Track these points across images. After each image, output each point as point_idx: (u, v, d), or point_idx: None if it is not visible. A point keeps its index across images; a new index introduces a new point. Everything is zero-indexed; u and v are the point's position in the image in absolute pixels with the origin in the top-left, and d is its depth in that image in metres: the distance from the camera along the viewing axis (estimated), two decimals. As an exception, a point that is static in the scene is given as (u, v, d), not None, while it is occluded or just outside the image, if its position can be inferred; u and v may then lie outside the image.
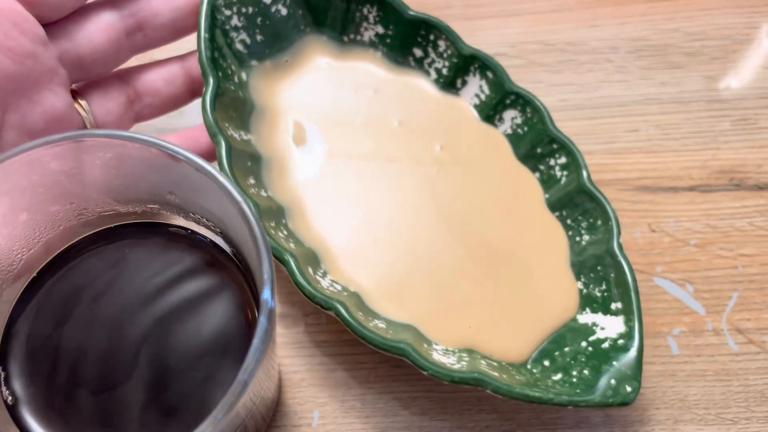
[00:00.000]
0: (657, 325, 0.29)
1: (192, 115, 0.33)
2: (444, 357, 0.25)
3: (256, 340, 0.15)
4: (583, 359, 0.25)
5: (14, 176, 0.17)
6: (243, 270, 0.21)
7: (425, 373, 0.24)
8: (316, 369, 0.28)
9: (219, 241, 0.21)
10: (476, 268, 0.28)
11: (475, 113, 0.31)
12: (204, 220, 0.20)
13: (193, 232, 0.21)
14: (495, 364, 0.26)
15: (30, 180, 0.18)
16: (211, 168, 0.16)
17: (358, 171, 0.30)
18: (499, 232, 0.29)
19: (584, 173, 0.28)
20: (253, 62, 0.31)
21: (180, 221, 0.21)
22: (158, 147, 0.17)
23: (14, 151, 0.17)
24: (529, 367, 0.26)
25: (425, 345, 0.26)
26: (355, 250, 0.28)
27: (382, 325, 0.26)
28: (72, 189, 0.19)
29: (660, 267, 0.30)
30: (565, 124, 0.33)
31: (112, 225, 0.21)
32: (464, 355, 0.26)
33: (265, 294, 0.16)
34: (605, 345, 0.25)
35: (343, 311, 0.24)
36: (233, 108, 0.29)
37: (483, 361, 0.25)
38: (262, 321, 0.15)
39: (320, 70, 0.32)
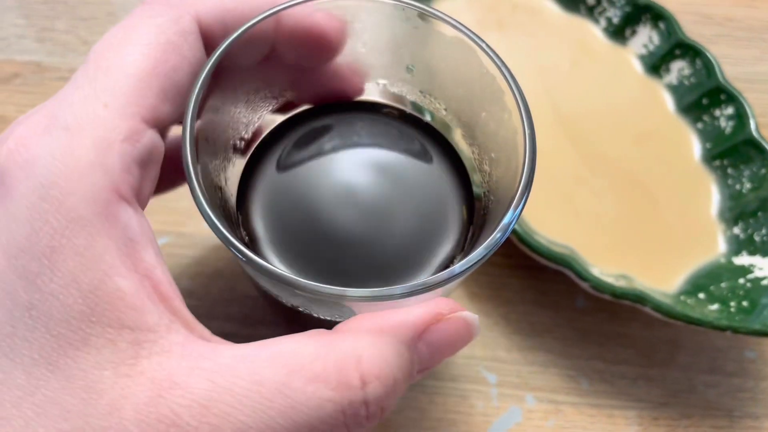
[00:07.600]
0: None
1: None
2: (601, 278, 0.28)
3: (482, 249, 0.16)
4: (741, 293, 0.27)
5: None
6: (466, 162, 0.22)
7: (585, 285, 0.26)
8: (462, 284, 0.31)
9: (437, 126, 0.23)
10: (624, 203, 0.31)
11: (638, 65, 0.34)
12: (434, 100, 0.22)
13: (409, 114, 0.24)
14: (649, 290, 0.28)
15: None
16: (476, 36, 0.19)
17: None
18: (647, 175, 0.32)
19: (752, 123, 0.30)
20: None
21: (399, 104, 0.23)
22: (414, 7, 0.19)
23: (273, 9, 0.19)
24: (682, 298, 0.28)
25: (584, 264, 0.28)
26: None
27: (543, 241, 0.28)
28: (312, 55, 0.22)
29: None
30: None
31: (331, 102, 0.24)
32: (620, 277, 0.28)
33: (512, 211, 0.16)
34: (765, 282, 0.27)
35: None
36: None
37: (638, 285, 0.28)
38: (497, 237, 0.16)
39: (490, 17, 0.35)
